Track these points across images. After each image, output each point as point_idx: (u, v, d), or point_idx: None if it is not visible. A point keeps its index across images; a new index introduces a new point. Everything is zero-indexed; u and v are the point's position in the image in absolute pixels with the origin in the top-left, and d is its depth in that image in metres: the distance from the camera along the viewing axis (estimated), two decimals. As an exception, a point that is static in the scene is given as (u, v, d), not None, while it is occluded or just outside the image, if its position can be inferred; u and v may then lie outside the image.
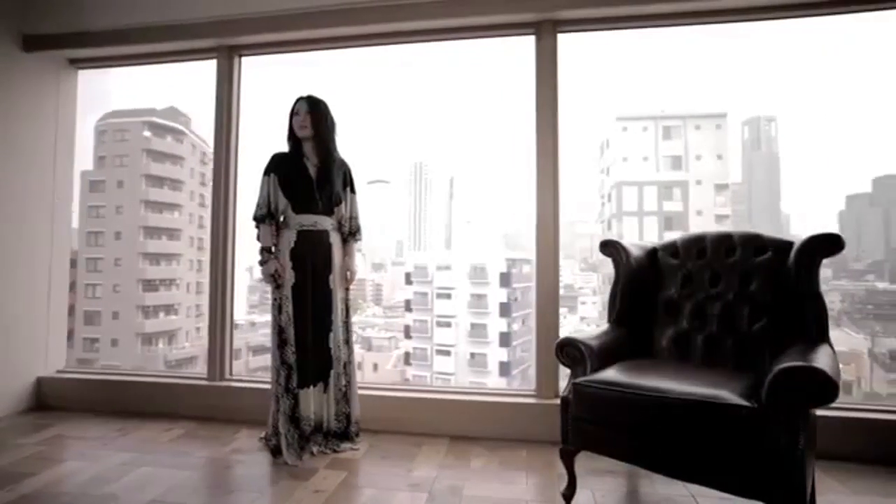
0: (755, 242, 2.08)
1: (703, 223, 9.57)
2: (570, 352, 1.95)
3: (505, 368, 10.59)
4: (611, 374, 1.80)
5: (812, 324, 1.78)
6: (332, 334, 2.44)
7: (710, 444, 1.53)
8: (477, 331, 10.98)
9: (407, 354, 10.98)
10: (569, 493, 1.87)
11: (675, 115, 9.84)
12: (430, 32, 2.76)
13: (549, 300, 2.59)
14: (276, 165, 2.47)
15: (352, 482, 2.05)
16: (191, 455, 2.32)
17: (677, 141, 9.70)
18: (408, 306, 11.22)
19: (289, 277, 2.38)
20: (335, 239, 2.49)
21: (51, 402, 2.98)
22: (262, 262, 2.41)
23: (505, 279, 10.76)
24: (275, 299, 2.40)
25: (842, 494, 1.94)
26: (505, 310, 10.77)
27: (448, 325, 10.94)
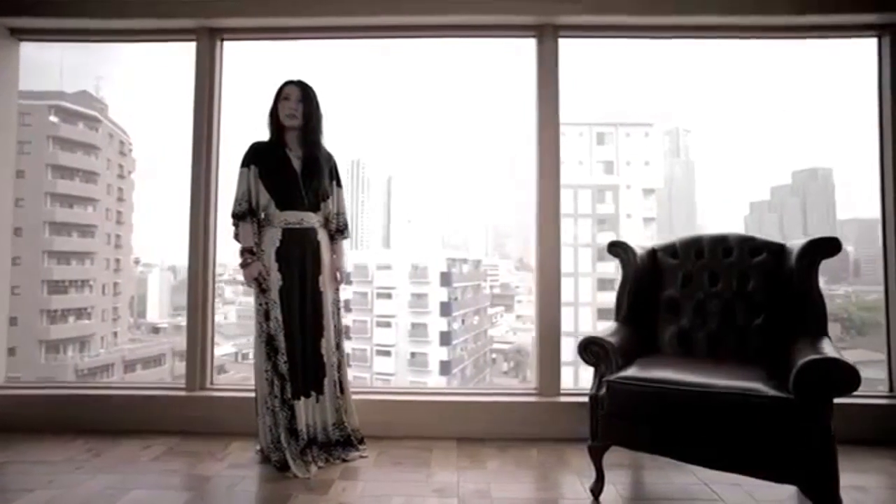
0: (750, 244, 2.24)
1: (632, 225, 10.19)
2: (594, 350, 2.00)
3: (445, 367, 10.64)
4: (645, 371, 1.86)
5: (813, 319, 1.94)
6: (324, 340, 2.31)
7: (746, 434, 1.63)
8: (417, 330, 10.96)
9: (346, 355, 10.71)
10: (597, 488, 1.92)
11: (608, 122, 10.39)
12: (429, 28, 2.71)
13: (551, 298, 2.62)
14: (257, 156, 2.28)
15: (374, 492, 1.96)
16: (184, 474, 2.11)
17: (610, 147, 10.27)
18: (347, 306, 10.93)
19: (275, 280, 2.23)
20: (323, 237, 2.36)
21: (-14, 423, 2.58)
22: (243, 265, 2.22)
23: (446, 278, 10.81)
24: (260, 304, 2.23)
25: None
26: (445, 309, 10.83)
27: (388, 325, 10.84)
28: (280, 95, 2.27)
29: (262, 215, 2.28)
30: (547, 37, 2.64)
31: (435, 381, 10.37)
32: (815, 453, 1.55)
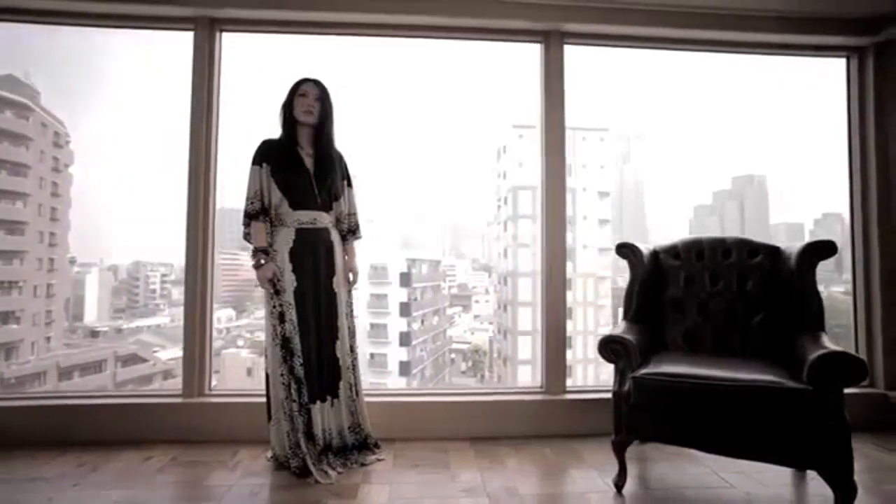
0: (748, 246, 2.39)
1: (588, 226, 10.53)
2: (614, 348, 2.07)
3: (405, 368, 10.60)
4: (669, 366, 1.94)
5: (812, 316, 2.09)
6: (339, 342, 2.27)
7: (770, 424, 1.74)
8: (377, 331, 10.86)
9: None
10: (621, 481, 1.99)
11: (566, 126, 10.66)
12: (437, 29, 2.69)
13: (558, 300, 2.67)
14: (269, 154, 2.22)
15: (403, 495, 1.93)
16: (198, 485, 1.99)
17: (567, 150, 10.56)
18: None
19: (290, 281, 2.17)
20: (336, 237, 2.32)
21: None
22: (257, 266, 2.15)
23: (405, 279, 10.78)
24: (274, 307, 2.16)
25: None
26: (405, 309, 10.80)
27: (347, 326, 10.61)
28: (296, 92, 2.22)
29: (273, 214, 2.21)
30: (554, 43, 2.70)
31: (394, 382, 10.29)
32: (832, 440, 1.68)
